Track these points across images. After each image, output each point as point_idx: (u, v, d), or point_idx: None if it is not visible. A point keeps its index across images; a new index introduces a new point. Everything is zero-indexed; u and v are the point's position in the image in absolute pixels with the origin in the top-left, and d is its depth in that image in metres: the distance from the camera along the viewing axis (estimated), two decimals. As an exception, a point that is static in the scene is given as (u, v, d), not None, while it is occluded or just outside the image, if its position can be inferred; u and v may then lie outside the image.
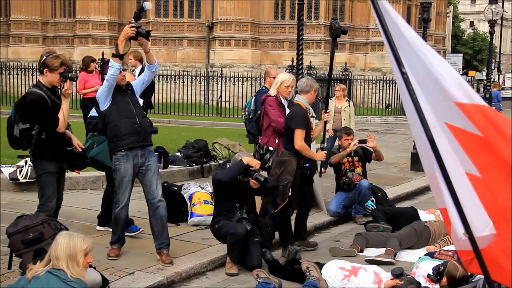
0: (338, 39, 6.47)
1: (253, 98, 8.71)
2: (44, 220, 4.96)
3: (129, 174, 5.83)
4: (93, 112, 6.63)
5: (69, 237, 4.02)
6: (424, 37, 12.97)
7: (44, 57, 5.40)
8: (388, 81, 26.20)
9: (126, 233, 6.47)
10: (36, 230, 4.84)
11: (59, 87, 5.43)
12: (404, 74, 2.61)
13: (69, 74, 5.35)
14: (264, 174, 6.47)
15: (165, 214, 5.95)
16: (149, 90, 8.90)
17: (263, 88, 8.59)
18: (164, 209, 5.93)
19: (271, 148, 7.17)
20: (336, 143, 9.22)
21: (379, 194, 8.74)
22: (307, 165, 6.60)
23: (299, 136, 6.44)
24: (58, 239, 4.02)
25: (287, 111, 7.22)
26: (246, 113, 8.65)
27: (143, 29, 5.69)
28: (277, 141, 7.23)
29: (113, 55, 5.69)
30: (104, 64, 6.19)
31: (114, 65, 5.64)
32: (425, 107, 2.64)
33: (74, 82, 5.49)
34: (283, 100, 7.27)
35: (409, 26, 2.77)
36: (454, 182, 2.62)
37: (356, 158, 8.42)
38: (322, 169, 9.00)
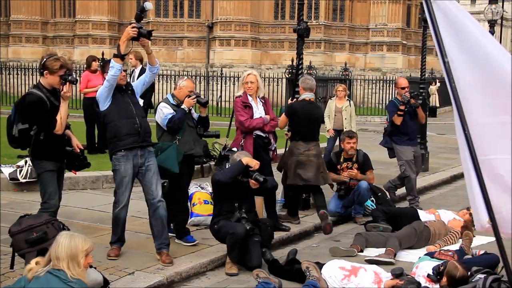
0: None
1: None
2: (48, 220, 4.98)
3: (129, 174, 5.83)
4: (168, 113, 6.43)
5: (70, 237, 4.01)
6: (424, 37, 12.98)
7: (45, 59, 5.39)
8: (388, 81, 26.12)
9: (182, 243, 6.50)
10: (40, 229, 4.84)
11: (59, 89, 5.43)
12: (446, 63, 2.64)
13: (69, 77, 5.33)
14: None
15: (165, 214, 5.96)
16: (149, 90, 8.90)
17: (394, 99, 9.16)
18: (164, 209, 5.94)
19: (234, 149, 7.20)
20: (337, 143, 9.23)
21: (379, 194, 8.74)
22: None
23: None
24: (59, 239, 4.01)
25: (258, 109, 7.29)
26: (386, 125, 9.26)
27: (145, 29, 5.69)
28: (242, 142, 7.30)
29: (115, 56, 5.69)
30: (105, 63, 6.18)
31: (115, 66, 5.65)
32: (465, 95, 2.64)
33: (74, 86, 5.47)
34: (250, 99, 7.28)
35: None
36: (486, 171, 2.63)
37: (356, 165, 8.41)
38: None
